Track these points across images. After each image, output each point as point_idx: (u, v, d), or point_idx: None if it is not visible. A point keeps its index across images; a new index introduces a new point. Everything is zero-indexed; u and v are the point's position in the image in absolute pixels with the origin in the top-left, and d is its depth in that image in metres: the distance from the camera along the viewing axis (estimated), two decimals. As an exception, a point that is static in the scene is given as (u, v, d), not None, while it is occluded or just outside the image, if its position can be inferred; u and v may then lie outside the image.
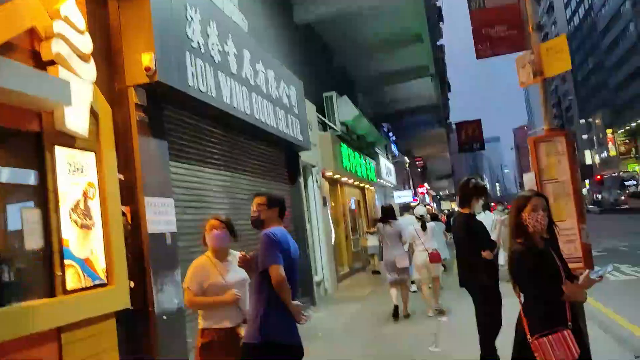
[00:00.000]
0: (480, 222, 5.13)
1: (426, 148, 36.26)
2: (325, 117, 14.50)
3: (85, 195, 4.48)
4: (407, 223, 9.19)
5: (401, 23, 16.29)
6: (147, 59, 5.37)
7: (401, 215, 12.50)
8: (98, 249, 4.56)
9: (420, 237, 8.55)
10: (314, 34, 15.62)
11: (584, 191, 64.64)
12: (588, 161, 75.07)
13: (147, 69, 5.37)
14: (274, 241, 3.32)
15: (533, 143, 4.72)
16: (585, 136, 76.34)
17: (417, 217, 8.95)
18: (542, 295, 2.95)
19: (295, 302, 3.37)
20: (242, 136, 8.42)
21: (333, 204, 15.63)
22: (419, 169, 39.25)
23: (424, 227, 8.61)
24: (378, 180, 21.09)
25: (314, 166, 12.59)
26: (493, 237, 5.92)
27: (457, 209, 5.34)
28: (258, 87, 8.38)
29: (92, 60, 4.68)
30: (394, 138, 29.61)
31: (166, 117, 6.14)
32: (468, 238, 4.94)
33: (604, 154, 68.23)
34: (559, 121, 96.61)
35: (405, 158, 31.78)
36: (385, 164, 23.79)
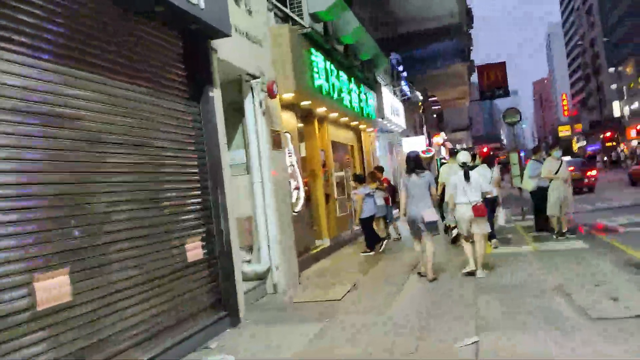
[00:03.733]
0: None
1: (443, 91, 30.42)
2: (285, 6, 9.08)
3: None
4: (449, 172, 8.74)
5: None
6: None
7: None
8: None
9: (462, 188, 7.46)
10: None
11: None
12: (616, 113, 68.15)
13: None
14: None
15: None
16: (614, 86, 69.34)
17: (459, 165, 7.67)
18: None
19: None
20: None
21: (304, 146, 10.54)
22: (434, 115, 33.35)
23: (467, 177, 7.40)
24: (379, 119, 15.73)
25: (256, 77, 7.39)
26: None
27: None
28: None
29: None
30: (405, 74, 23.92)
31: None
32: None
33: (635, 105, 61.26)
34: (584, 71, 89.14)
35: (419, 95, 25.77)
36: (392, 101, 18.35)
